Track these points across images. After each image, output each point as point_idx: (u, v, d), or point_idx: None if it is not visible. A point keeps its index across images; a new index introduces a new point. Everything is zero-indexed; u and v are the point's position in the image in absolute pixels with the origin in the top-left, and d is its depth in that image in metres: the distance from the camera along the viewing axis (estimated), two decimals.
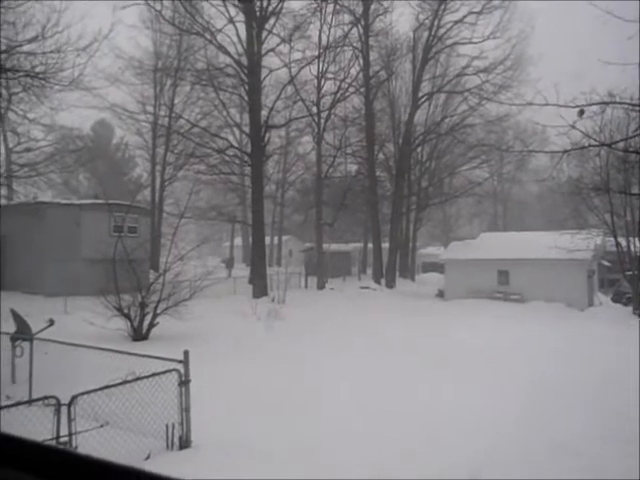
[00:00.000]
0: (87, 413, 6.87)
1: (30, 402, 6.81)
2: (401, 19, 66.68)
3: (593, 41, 28.33)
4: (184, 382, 7.39)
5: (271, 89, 35.89)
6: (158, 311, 16.10)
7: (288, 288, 27.56)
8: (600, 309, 26.60)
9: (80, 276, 22.05)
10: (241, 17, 30.23)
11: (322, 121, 33.98)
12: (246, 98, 31.44)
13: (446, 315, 24.17)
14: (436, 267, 42.39)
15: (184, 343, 10.03)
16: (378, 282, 35.08)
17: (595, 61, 10.27)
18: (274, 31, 31.05)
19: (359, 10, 35.19)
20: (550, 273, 27.52)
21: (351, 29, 34.64)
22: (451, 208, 57.65)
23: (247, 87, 30.25)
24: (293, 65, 32.46)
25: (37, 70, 17.37)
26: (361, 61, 35.82)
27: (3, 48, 17.30)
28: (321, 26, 32.62)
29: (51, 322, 10.95)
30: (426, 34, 38.01)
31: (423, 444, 7.63)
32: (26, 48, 17.50)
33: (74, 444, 6.33)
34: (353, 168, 42.49)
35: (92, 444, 6.22)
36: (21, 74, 17.28)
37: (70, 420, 6.32)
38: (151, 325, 16.08)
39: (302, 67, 32.93)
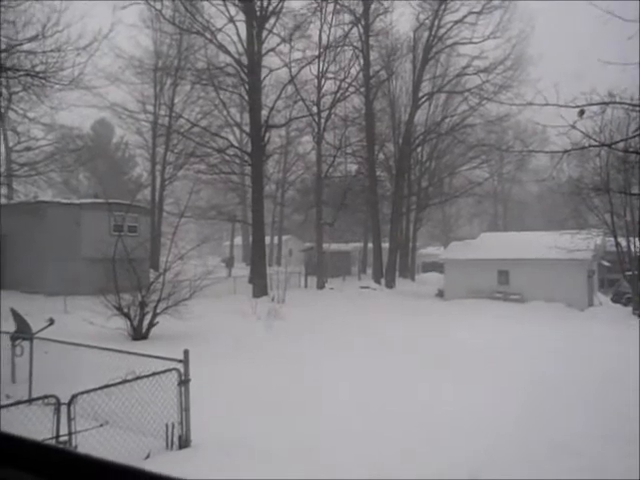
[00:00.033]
0: (87, 412, 6.87)
1: (30, 401, 6.82)
2: (401, 19, 66.82)
3: (593, 41, 28.33)
4: (184, 381, 7.39)
5: (271, 89, 35.95)
6: (158, 310, 16.10)
7: (288, 288, 27.57)
8: (600, 309, 26.60)
9: (80, 275, 22.06)
10: (241, 16, 30.25)
11: (322, 121, 33.99)
12: (246, 97, 31.44)
13: (446, 315, 24.17)
14: (436, 267, 42.39)
15: (184, 342, 10.03)
16: (378, 282, 35.09)
17: (595, 61, 10.27)
18: (274, 30, 31.10)
19: (359, 10, 35.19)
20: (550, 273, 27.52)
21: (351, 29, 34.67)
22: (451, 208, 57.67)
23: (247, 86, 30.25)
24: (293, 65, 32.53)
25: (37, 69, 17.36)
26: (361, 61, 35.82)
27: (3, 47, 17.29)
28: (321, 26, 32.68)
29: (51, 321, 10.94)
30: (426, 34, 38.02)
31: (423, 444, 7.62)
32: (26, 47, 17.50)
33: (74, 443, 6.33)
34: (353, 168, 42.52)
35: (92, 443, 6.22)
36: (21, 73, 17.27)
37: (70, 419, 6.32)
38: (151, 324, 16.08)
39: (302, 67, 32.98)
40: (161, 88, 39.88)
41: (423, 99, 39.92)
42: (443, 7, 36.73)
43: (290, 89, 33.42)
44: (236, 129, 40.48)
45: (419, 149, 42.49)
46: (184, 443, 7.32)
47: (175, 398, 7.32)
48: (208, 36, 30.58)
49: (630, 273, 27.23)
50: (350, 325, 20.10)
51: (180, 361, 7.39)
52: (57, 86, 18.80)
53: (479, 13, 36.50)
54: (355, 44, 35.08)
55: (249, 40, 29.66)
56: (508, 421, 8.77)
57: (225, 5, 29.87)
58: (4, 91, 19.42)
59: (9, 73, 17.21)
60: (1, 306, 13.41)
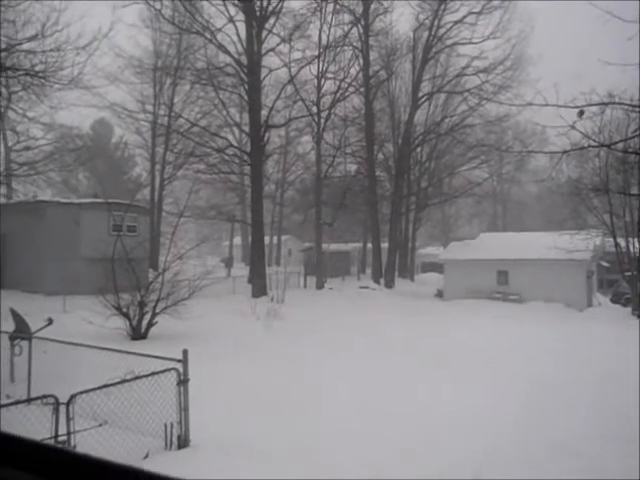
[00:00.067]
0: (86, 412, 6.86)
1: (29, 401, 6.80)
2: (401, 19, 66.86)
3: (593, 41, 28.33)
4: (183, 381, 7.39)
5: (271, 89, 35.94)
6: (157, 310, 16.09)
7: (287, 288, 27.57)
8: (599, 309, 26.62)
9: (79, 275, 22.04)
10: (241, 16, 30.24)
11: (322, 121, 34.00)
12: (246, 97, 31.43)
13: (445, 315, 24.17)
14: (435, 267, 42.41)
15: (183, 342, 10.01)
16: (377, 282, 35.09)
17: (595, 61, 10.27)
18: (274, 30, 31.08)
19: (359, 10, 35.19)
20: (549, 273, 27.53)
21: (351, 29, 34.67)
22: (450, 208, 57.70)
23: (247, 86, 30.24)
24: (293, 65, 32.53)
25: (37, 69, 17.37)
26: (361, 61, 35.82)
27: (3, 46, 17.29)
28: (321, 26, 32.69)
29: (50, 321, 10.94)
30: (426, 34, 38.01)
31: (422, 444, 7.62)
32: (26, 47, 17.52)
33: (73, 443, 6.32)
34: (353, 168, 42.53)
35: (91, 443, 6.21)
36: (21, 73, 17.28)
37: (69, 419, 6.31)
38: (150, 324, 16.07)
39: (302, 67, 32.98)
40: (160, 88, 39.86)
41: (423, 99, 39.92)
42: (443, 7, 36.73)
43: (290, 89, 33.46)
44: (235, 129, 40.51)
45: (419, 149, 42.49)
46: (183, 443, 7.31)
47: (174, 398, 7.31)
48: (208, 36, 30.57)
49: (629, 274, 27.25)
50: (349, 325, 20.10)
51: (179, 361, 7.38)
52: (56, 85, 18.83)
53: (479, 13, 36.52)
54: (355, 44, 35.10)
55: (249, 40, 29.66)
56: (507, 421, 8.77)
57: (225, 5, 29.89)
58: (4, 90, 19.44)
59: (9, 72, 17.21)
60: (0, 305, 13.40)
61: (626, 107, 11.10)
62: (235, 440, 7.44)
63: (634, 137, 13.68)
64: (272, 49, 31.29)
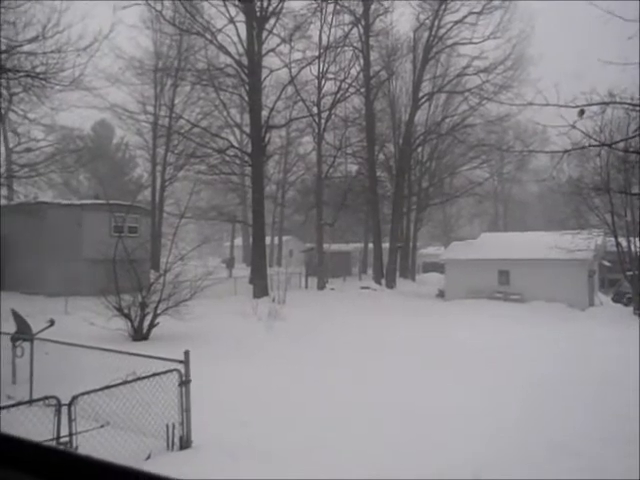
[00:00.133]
0: (87, 413, 6.88)
1: (31, 402, 6.82)
2: (401, 19, 66.86)
3: (593, 41, 28.34)
4: (185, 382, 7.39)
5: (271, 89, 35.95)
6: (158, 311, 16.10)
7: (288, 288, 27.55)
8: (600, 309, 26.60)
9: (81, 276, 22.06)
10: (241, 17, 30.24)
11: (322, 121, 34.00)
12: (246, 98, 31.44)
13: (447, 315, 24.15)
14: (436, 267, 42.34)
15: (184, 343, 10.02)
16: (378, 282, 35.07)
17: (595, 61, 10.29)
18: (274, 31, 31.10)
19: (359, 10, 35.18)
20: (551, 273, 27.50)
21: (351, 29, 34.68)
22: (451, 208, 57.65)
23: (247, 87, 30.25)
24: (293, 65, 32.54)
25: (37, 70, 17.37)
26: (361, 61, 35.82)
27: (3, 48, 17.31)
28: (321, 26, 32.69)
29: (51, 322, 10.96)
30: (426, 34, 37.98)
31: (422, 444, 7.62)
32: (26, 48, 17.52)
33: (74, 444, 6.33)
34: (353, 168, 42.56)
35: (92, 444, 6.22)
36: (21, 74, 17.28)
37: (70, 420, 6.32)
38: (151, 325, 16.08)
39: (302, 67, 33.00)
40: (161, 89, 39.89)
41: (423, 99, 39.90)
42: (443, 7, 36.71)
43: (290, 90, 33.48)
44: (236, 130, 40.50)
45: (419, 149, 42.46)
46: (185, 444, 7.32)
47: (176, 399, 7.32)
48: (208, 37, 30.58)
49: (631, 273, 27.22)
50: (351, 325, 20.10)
51: (181, 362, 7.39)
52: (57, 87, 18.83)
53: (479, 13, 36.49)
54: (355, 44, 35.11)
55: (249, 41, 29.66)
56: (508, 421, 8.77)
57: (225, 6, 29.90)
58: (4, 92, 19.44)
59: (9, 74, 17.23)
60: (2, 307, 13.42)
61: (627, 106, 11.09)
62: (237, 441, 7.45)
63: (635, 136, 13.67)
64: (272, 50, 31.32)
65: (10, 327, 10.82)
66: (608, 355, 14.66)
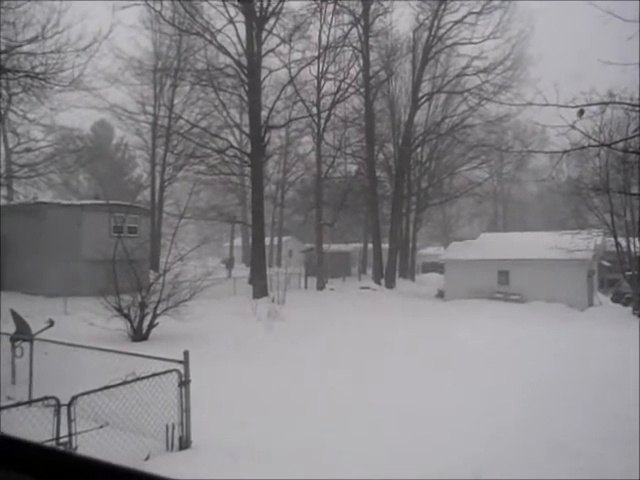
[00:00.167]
0: (87, 414, 6.87)
1: (30, 403, 6.81)
2: (401, 19, 66.77)
3: (593, 41, 28.31)
4: (184, 382, 7.39)
5: (271, 89, 35.93)
6: (158, 311, 16.09)
7: (288, 288, 27.54)
8: (600, 309, 26.61)
9: (80, 276, 22.05)
10: (241, 17, 30.24)
11: (322, 121, 33.99)
12: (246, 98, 31.43)
13: (446, 315, 24.16)
14: (436, 267, 42.36)
15: (184, 343, 10.02)
16: (378, 282, 35.08)
17: (595, 61, 10.27)
18: (274, 31, 31.08)
19: (359, 10, 35.18)
20: (550, 273, 27.51)
21: (351, 29, 34.67)
22: (451, 208, 57.69)
23: (247, 87, 30.24)
24: (293, 65, 32.52)
25: (37, 70, 17.37)
26: (361, 61, 35.83)
27: (3, 48, 17.31)
28: (321, 26, 32.69)
29: (51, 323, 10.95)
30: (426, 34, 38.00)
31: (423, 444, 7.62)
32: (26, 48, 17.52)
33: (74, 445, 6.33)
34: (353, 168, 42.56)
35: (92, 444, 6.22)
36: (21, 74, 17.28)
37: (70, 421, 6.32)
38: (151, 325, 16.08)
39: (302, 67, 32.98)
40: (161, 89, 39.89)
41: (423, 99, 39.91)
42: (443, 7, 36.72)
43: (290, 90, 33.46)
44: (236, 130, 40.49)
45: (419, 149, 42.48)
46: (184, 444, 7.32)
47: (175, 399, 7.32)
48: (208, 37, 30.58)
49: (630, 273, 27.24)
50: (350, 326, 20.09)
51: (180, 362, 7.39)
52: (57, 87, 18.83)
53: (479, 13, 36.49)
54: (355, 45, 35.10)
55: (249, 41, 29.66)
56: (508, 422, 8.77)
57: (225, 6, 29.89)
58: (4, 92, 19.43)
59: (9, 74, 17.22)
60: (1, 307, 13.41)
61: (626, 106, 11.09)
62: (236, 441, 7.45)
63: (634, 136, 13.67)
64: (272, 50, 31.31)
65: (9, 327, 10.81)
66: (608, 355, 14.66)
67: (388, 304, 27.49)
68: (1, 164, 29.03)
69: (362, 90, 36.72)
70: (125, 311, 15.68)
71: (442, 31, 37.95)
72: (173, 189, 44.31)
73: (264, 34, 30.38)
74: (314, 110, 33.91)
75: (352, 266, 45.35)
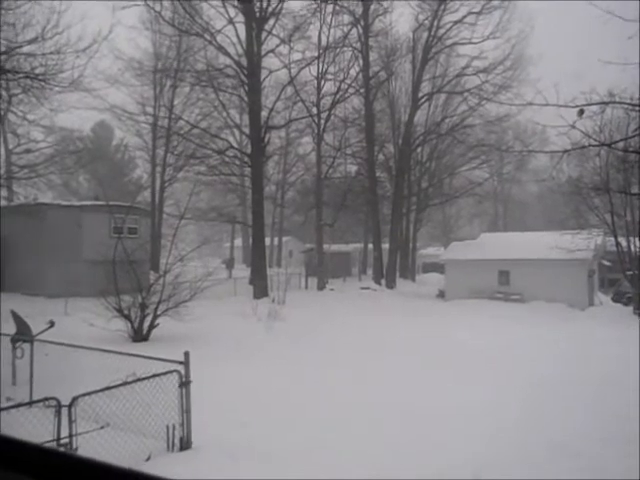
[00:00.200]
0: (88, 414, 6.87)
1: (31, 403, 6.81)
2: (401, 19, 66.56)
3: (593, 41, 28.32)
4: (185, 383, 7.39)
5: (271, 90, 35.92)
6: (158, 312, 16.09)
7: (288, 289, 27.54)
8: (600, 309, 26.60)
9: (80, 277, 22.03)
10: (241, 18, 30.24)
11: (322, 122, 34.01)
12: (246, 99, 31.43)
13: (447, 315, 24.16)
14: (436, 267, 42.38)
15: (184, 344, 10.02)
16: (378, 283, 35.08)
17: (595, 61, 10.30)
18: (274, 32, 31.10)
19: (359, 11, 35.20)
20: (551, 273, 27.50)
21: (351, 30, 34.70)
22: (451, 208, 57.65)
23: (247, 88, 30.24)
24: (293, 66, 32.53)
25: (37, 71, 17.40)
26: (361, 62, 35.84)
27: (3, 49, 17.32)
28: (321, 27, 32.74)
29: (51, 323, 10.95)
30: (426, 34, 38.00)
31: (423, 444, 7.62)
32: (26, 49, 17.54)
33: (75, 445, 6.33)
34: (353, 169, 42.58)
35: (93, 445, 6.22)
36: (21, 75, 17.30)
37: (71, 421, 6.32)
38: (151, 326, 16.07)
39: (302, 68, 32.99)
40: (161, 90, 39.87)
41: (423, 99, 39.91)
42: (442, 7, 36.72)
43: (290, 90, 33.47)
44: (236, 130, 40.50)
45: (419, 150, 42.48)
46: (185, 445, 7.32)
47: (176, 400, 7.32)
48: (207, 38, 30.58)
49: (630, 273, 27.24)
50: (351, 326, 20.09)
51: (181, 363, 7.39)
52: (57, 88, 18.86)
53: (478, 13, 36.49)
54: (354, 45, 35.12)
55: (248, 41, 29.67)
56: (508, 422, 8.76)
57: (224, 7, 29.91)
58: (4, 93, 19.45)
59: (9, 75, 17.24)
60: (1, 308, 13.41)
61: (626, 106, 11.10)
62: (237, 441, 7.45)
63: (634, 136, 13.68)
64: (272, 50, 31.31)
65: (10, 328, 10.81)
66: (608, 355, 14.66)
67: (388, 304, 27.48)
68: (1, 165, 29.07)
69: (362, 90, 36.73)
70: (125, 312, 15.68)
71: (442, 31, 37.97)
72: (173, 190, 44.32)
73: (264, 34, 30.39)
74: (314, 110, 33.93)
75: (352, 266, 45.34)
